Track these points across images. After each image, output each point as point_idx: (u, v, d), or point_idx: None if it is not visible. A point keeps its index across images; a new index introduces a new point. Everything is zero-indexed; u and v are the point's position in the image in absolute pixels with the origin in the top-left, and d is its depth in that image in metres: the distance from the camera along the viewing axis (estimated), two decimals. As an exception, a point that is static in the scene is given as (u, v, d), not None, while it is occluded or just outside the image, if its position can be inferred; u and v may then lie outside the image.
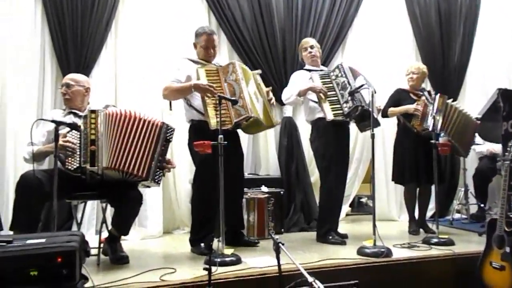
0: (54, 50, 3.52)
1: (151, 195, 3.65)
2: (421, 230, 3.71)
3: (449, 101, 3.63)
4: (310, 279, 1.88)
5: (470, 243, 3.27)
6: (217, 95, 2.63)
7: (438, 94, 3.57)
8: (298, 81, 3.40)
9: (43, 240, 1.63)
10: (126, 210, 2.60)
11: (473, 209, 4.47)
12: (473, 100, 4.79)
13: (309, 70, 3.47)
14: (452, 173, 4.83)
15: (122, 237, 2.89)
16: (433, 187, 3.96)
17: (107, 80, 3.62)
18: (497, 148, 4.05)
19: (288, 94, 3.38)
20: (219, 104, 2.56)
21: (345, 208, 4.62)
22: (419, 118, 3.53)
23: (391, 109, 3.64)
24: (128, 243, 3.22)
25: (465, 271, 2.78)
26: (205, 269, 1.93)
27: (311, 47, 3.53)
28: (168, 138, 2.62)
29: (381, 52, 4.58)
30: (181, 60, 3.07)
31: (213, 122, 2.67)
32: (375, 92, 3.10)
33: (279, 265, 2.11)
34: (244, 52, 4.07)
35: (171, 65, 3.39)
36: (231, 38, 4.06)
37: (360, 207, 5.41)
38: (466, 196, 4.47)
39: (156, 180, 2.57)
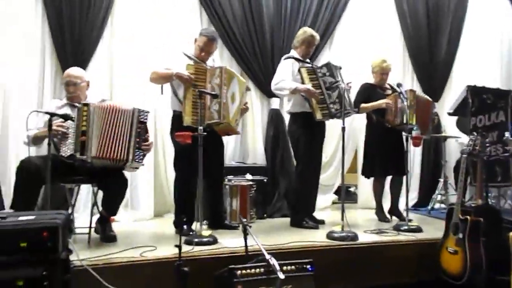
0: (53, 44, 3.75)
1: (143, 181, 3.94)
2: (394, 218, 3.92)
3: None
4: (267, 256, 2.14)
5: (439, 231, 3.46)
6: (198, 90, 2.87)
7: (409, 89, 3.75)
8: (289, 71, 3.50)
9: (32, 217, 1.90)
10: (113, 193, 2.88)
11: (453, 199, 4.67)
12: (458, 94, 4.96)
13: (298, 60, 3.56)
14: (435, 165, 5.03)
15: (115, 218, 3.17)
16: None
17: (102, 74, 3.86)
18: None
19: (282, 85, 3.44)
20: (198, 98, 2.80)
21: (331, 197, 4.86)
22: (392, 113, 3.70)
23: (363, 105, 3.79)
24: (121, 224, 3.52)
25: (425, 256, 3.00)
26: (176, 246, 2.19)
27: (314, 45, 3.67)
28: (141, 120, 2.85)
29: (368, 47, 4.71)
30: (178, 54, 3.25)
31: (186, 119, 2.91)
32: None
33: (246, 244, 2.38)
34: (233, 48, 4.28)
35: (163, 59, 3.60)
36: (222, 34, 4.24)
37: (348, 196, 5.63)
38: (445, 187, 4.68)
39: (137, 160, 2.82)
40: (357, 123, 4.44)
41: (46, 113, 2.53)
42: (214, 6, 4.21)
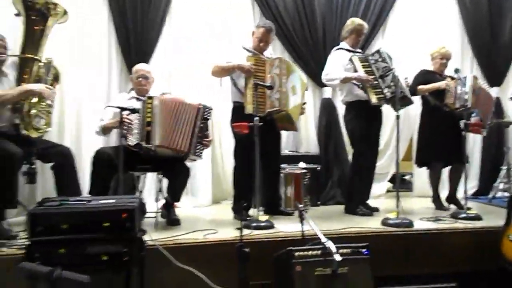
0: (118, 43, 4.03)
1: (202, 170, 4.16)
2: (452, 206, 3.84)
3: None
4: (324, 239, 2.24)
5: (500, 219, 3.34)
6: (253, 82, 3.00)
7: (472, 75, 3.64)
8: (339, 62, 3.53)
9: (112, 201, 2.14)
10: (176, 181, 3.10)
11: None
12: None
13: (348, 51, 3.60)
14: (497, 152, 4.83)
15: (177, 204, 3.41)
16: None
17: (162, 68, 4.08)
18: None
19: (332, 75, 3.50)
20: (255, 90, 2.93)
21: (385, 185, 4.84)
22: (452, 95, 3.58)
23: (420, 87, 3.71)
24: (182, 209, 3.75)
25: (485, 244, 2.93)
26: (237, 228, 2.35)
27: (364, 34, 3.70)
28: (205, 116, 3.05)
29: (423, 32, 4.61)
30: (238, 49, 3.39)
31: (248, 107, 3.06)
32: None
33: (302, 229, 2.49)
34: (285, 38, 4.37)
35: (219, 53, 3.75)
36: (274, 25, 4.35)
37: (403, 184, 5.56)
38: (508, 175, 4.50)
39: (197, 154, 3.02)
40: (412, 111, 4.37)
41: (118, 107, 2.79)
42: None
